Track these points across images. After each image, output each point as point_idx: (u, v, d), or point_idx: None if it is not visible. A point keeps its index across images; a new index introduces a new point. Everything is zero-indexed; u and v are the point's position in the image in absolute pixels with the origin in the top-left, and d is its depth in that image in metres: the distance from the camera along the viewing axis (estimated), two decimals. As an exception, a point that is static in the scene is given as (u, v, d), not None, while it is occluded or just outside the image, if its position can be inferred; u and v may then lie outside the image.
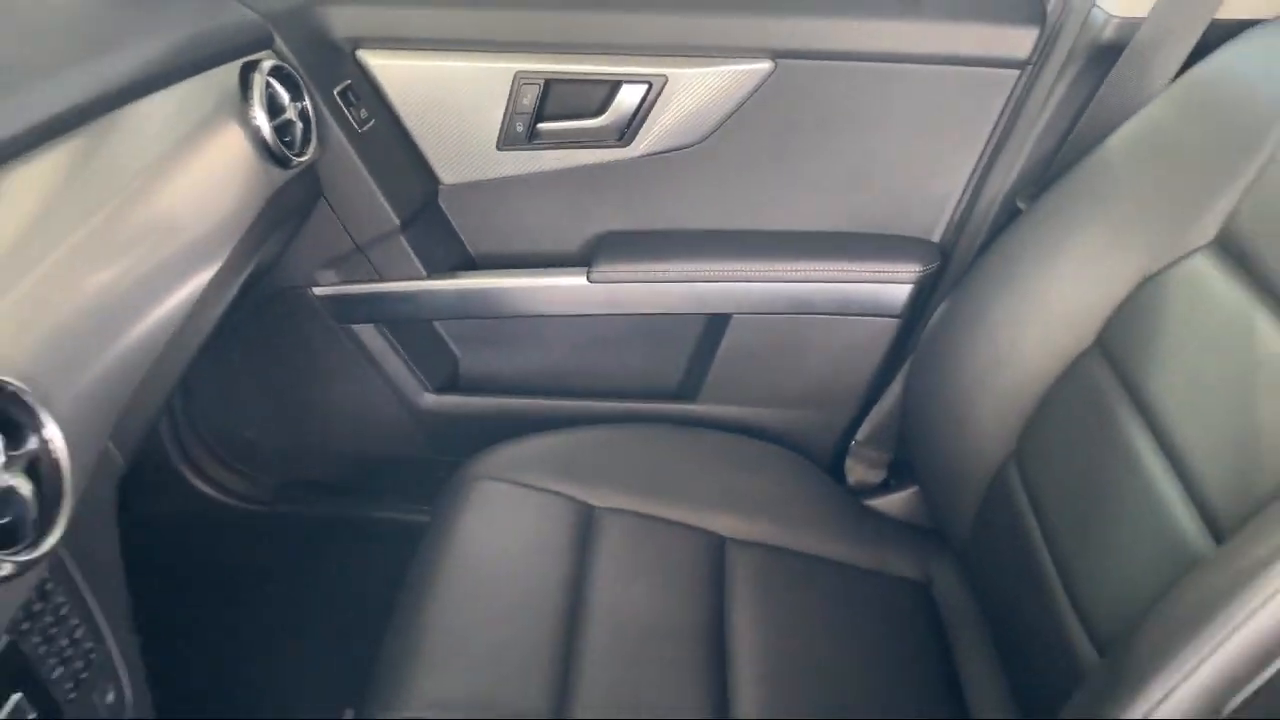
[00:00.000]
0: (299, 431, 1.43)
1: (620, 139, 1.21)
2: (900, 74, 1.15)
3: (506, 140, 1.21)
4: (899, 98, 1.17)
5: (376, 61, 1.18)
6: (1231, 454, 0.75)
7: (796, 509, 1.17)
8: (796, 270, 1.23)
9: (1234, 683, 0.63)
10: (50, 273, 0.68)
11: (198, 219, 0.89)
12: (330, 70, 1.14)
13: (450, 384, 1.38)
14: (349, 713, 1.19)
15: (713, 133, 1.21)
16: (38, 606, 0.61)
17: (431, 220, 1.29)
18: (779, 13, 1.15)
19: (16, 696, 0.57)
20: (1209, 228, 0.88)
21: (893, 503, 1.25)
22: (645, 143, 1.21)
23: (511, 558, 1.03)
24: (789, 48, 1.15)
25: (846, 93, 1.18)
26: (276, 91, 1.03)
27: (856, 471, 1.32)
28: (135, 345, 0.77)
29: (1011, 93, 1.14)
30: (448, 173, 1.26)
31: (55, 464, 0.58)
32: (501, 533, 1.06)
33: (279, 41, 1.08)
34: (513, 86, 1.18)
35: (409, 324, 1.33)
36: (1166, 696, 0.64)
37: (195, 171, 0.90)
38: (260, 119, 0.98)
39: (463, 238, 1.32)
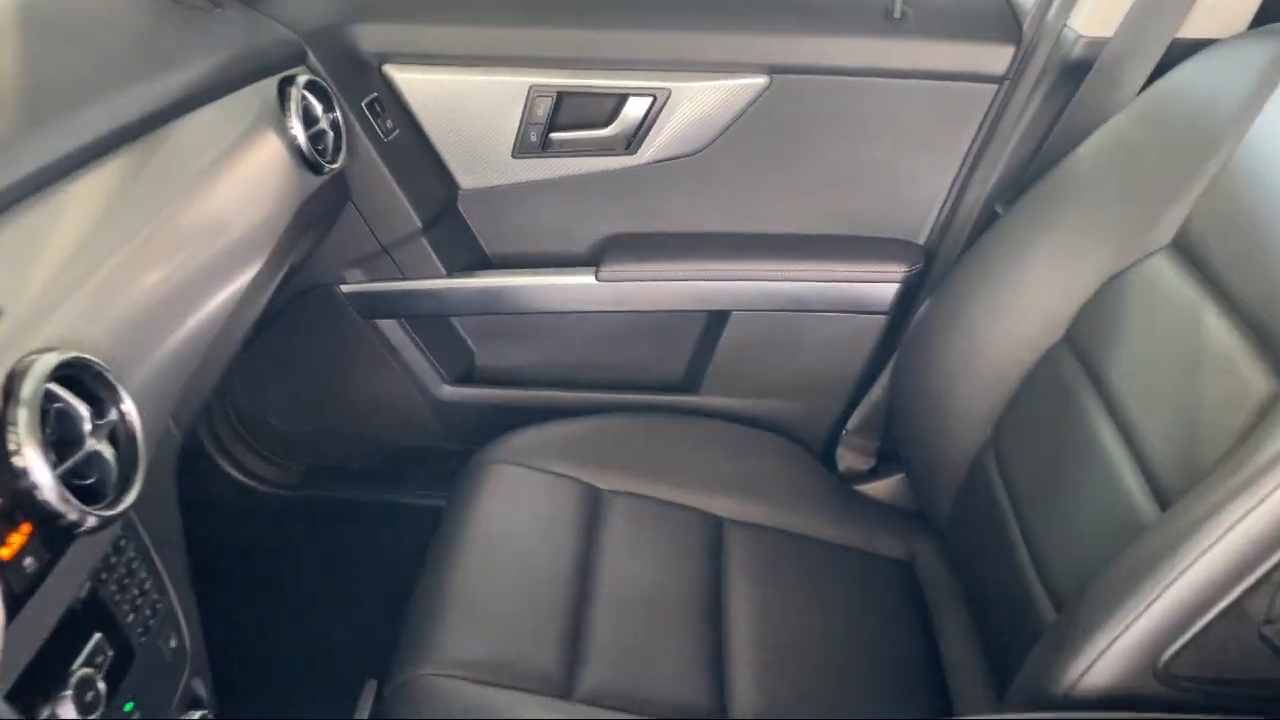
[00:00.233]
0: (325, 420, 1.47)
1: (627, 148, 1.27)
2: (887, 88, 1.20)
3: (521, 148, 1.27)
4: (886, 110, 1.22)
5: (401, 75, 1.23)
6: (1178, 433, 0.82)
7: (790, 493, 1.22)
8: (791, 270, 1.29)
9: (1169, 633, 0.70)
10: (118, 268, 0.75)
11: (241, 220, 0.96)
12: (358, 84, 1.20)
13: (467, 376, 1.43)
14: (372, 684, 1.24)
15: (713, 142, 1.26)
16: (114, 560, 0.69)
17: (451, 223, 1.34)
18: (774, 31, 1.20)
19: (97, 635, 0.65)
20: (1167, 231, 0.94)
21: (880, 488, 1.30)
22: (650, 151, 1.27)
23: (525, 534, 1.08)
24: (784, 63, 1.21)
25: (837, 105, 1.23)
26: (310, 103, 1.09)
27: (847, 458, 1.37)
28: (191, 335, 0.84)
29: (990, 106, 1.19)
30: (466, 178, 1.31)
31: (131, 433, 0.66)
32: (516, 512, 1.11)
33: (312, 57, 1.15)
34: (527, 99, 1.23)
35: (429, 319, 1.37)
36: (1110, 646, 0.71)
37: (239, 177, 0.97)
38: (297, 129, 1.05)
39: (480, 239, 1.37)
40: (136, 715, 0.68)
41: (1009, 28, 1.17)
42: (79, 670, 0.62)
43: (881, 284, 1.28)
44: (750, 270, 1.29)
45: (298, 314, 1.32)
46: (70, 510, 0.59)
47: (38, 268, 0.68)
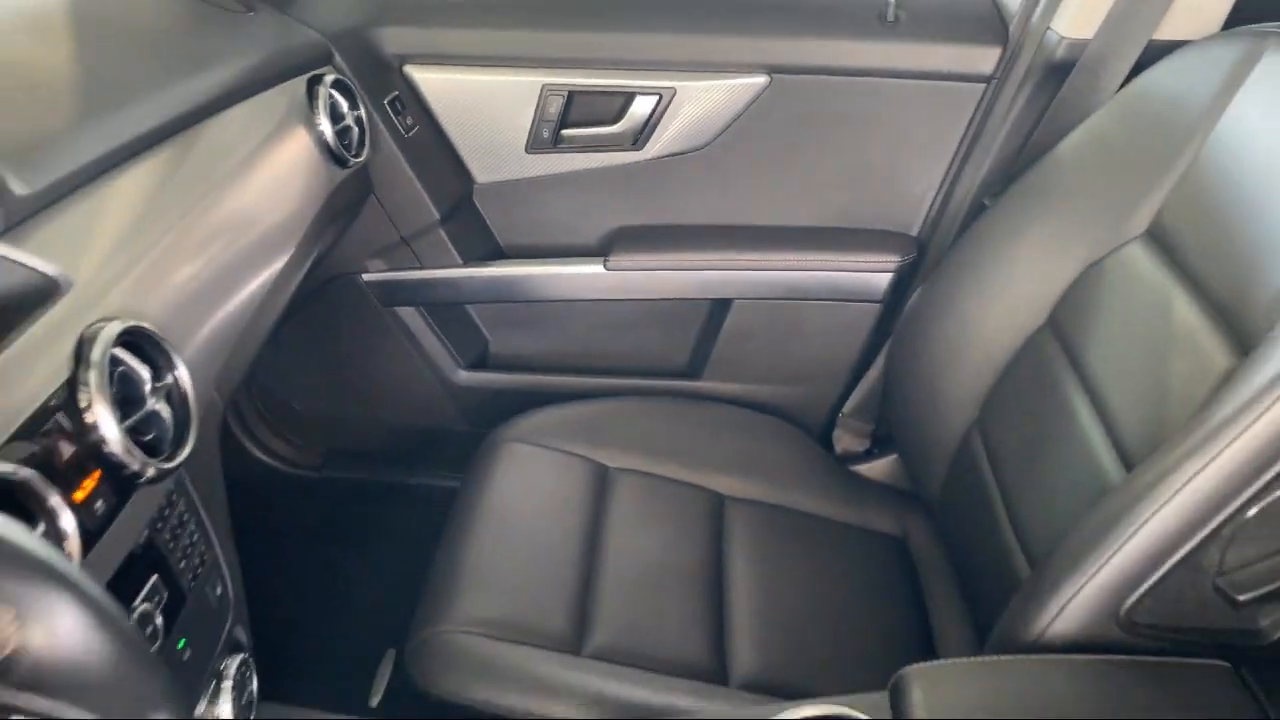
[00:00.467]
0: (346, 404, 1.51)
1: (634, 144, 1.31)
2: (881, 87, 1.25)
3: (534, 144, 1.32)
4: (880, 108, 1.26)
5: (421, 75, 1.29)
6: (1146, 405, 0.87)
7: (789, 472, 1.26)
8: (790, 260, 1.33)
9: (1129, 583, 0.75)
10: (167, 250, 0.81)
11: (274, 209, 1.02)
12: (381, 83, 1.25)
13: (481, 362, 1.47)
14: (390, 652, 1.29)
15: (716, 138, 1.30)
16: (167, 512, 0.75)
17: (467, 215, 1.39)
18: (774, 33, 1.25)
19: (154, 577, 0.72)
20: (1142, 221, 0.98)
21: (875, 468, 1.34)
22: (656, 147, 1.31)
23: (537, 507, 1.13)
24: (783, 64, 1.25)
25: (834, 104, 1.27)
26: (337, 101, 1.15)
27: (843, 440, 1.42)
28: (231, 314, 0.90)
29: (979, 104, 1.24)
30: (482, 173, 1.36)
31: (184, 396, 0.72)
32: (528, 486, 1.16)
33: (338, 58, 1.20)
34: (540, 97, 1.28)
35: (446, 307, 1.42)
36: (1075, 595, 0.76)
37: (272, 170, 1.03)
38: (324, 125, 1.10)
39: (494, 230, 1.42)
40: (188, 653, 0.74)
41: (996, 30, 1.22)
42: (140, 606, 0.69)
43: (876, 273, 1.32)
44: (751, 260, 1.33)
45: (321, 302, 1.37)
46: (133, 461, 0.65)
47: (97, 247, 0.75)
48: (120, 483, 0.66)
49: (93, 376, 0.64)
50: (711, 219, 1.38)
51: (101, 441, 0.64)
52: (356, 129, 1.18)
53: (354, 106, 1.18)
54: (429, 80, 1.29)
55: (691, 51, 1.26)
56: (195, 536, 0.78)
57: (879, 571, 1.18)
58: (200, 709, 0.77)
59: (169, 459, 0.69)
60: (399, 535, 1.33)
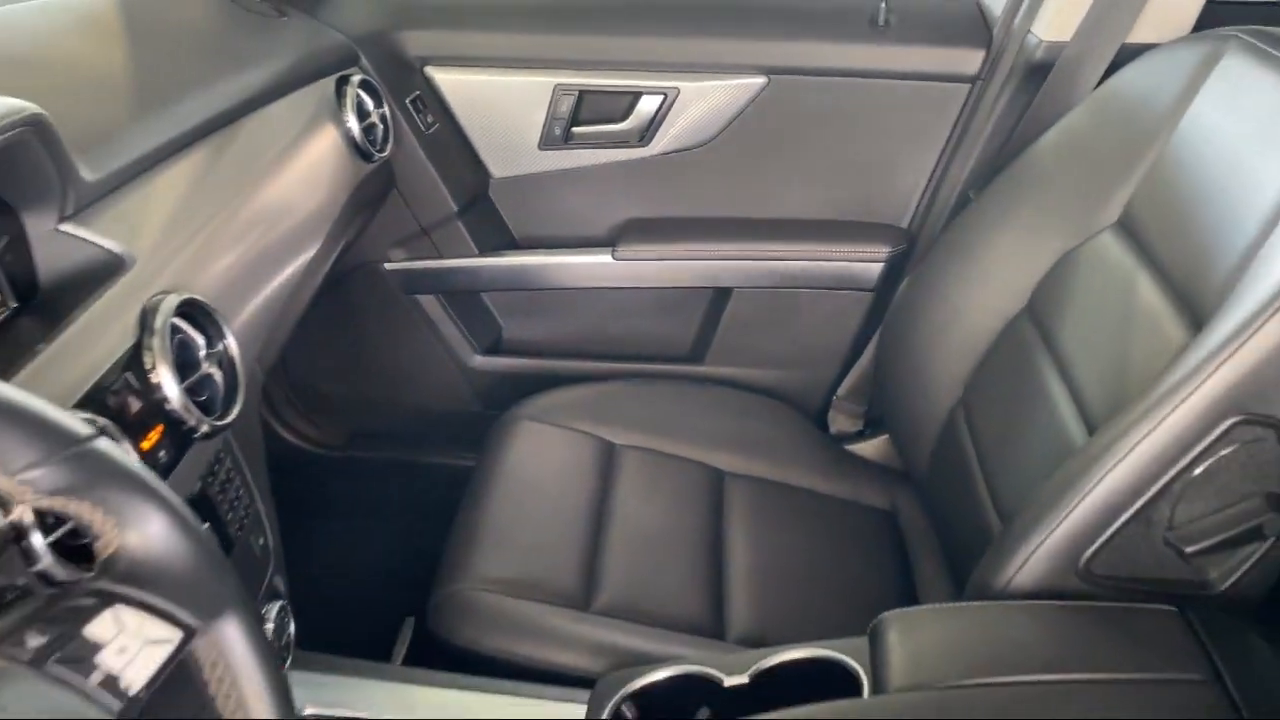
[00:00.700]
0: (368, 387, 1.58)
1: (641, 140, 1.38)
2: (873, 87, 1.31)
3: (546, 141, 1.38)
4: (872, 107, 1.33)
5: (441, 76, 1.36)
6: (1110, 379, 0.94)
7: (786, 450, 1.32)
8: (787, 251, 1.39)
9: (1086, 536, 0.81)
10: (211, 236, 0.89)
11: (305, 200, 1.09)
12: (404, 83, 1.33)
13: (495, 347, 1.53)
14: (409, 621, 1.35)
15: (718, 136, 1.37)
16: (216, 468, 0.83)
17: (483, 207, 1.45)
18: (771, 36, 1.32)
19: (206, 524, 0.80)
20: (1114, 212, 1.05)
21: (867, 447, 1.41)
22: (661, 144, 1.38)
23: (548, 479, 1.20)
24: (780, 65, 1.32)
25: (828, 103, 1.34)
26: (363, 100, 1.23)
27: (838, 421, 1.48)
28: (269, 296, 0.98)
29: (964, 103, 1.30)
30: (497, 168, 1.43)
31: (233, 362, 0.80)
32: (540, 460, 1.22)
33: (363, 59, 1.28)
34: (552, 97, 1.35)
35: (462, 295, 1.48)
36: (1037, 548, 0.83)
37: (303, 164, 1.10)
38: (351, 121, 1.18)
39: (508, 222, 1.48)
40: (235, 596, 0.82)
41: (980, 33, 1.28)
42: (195, 549, 0.76)
43: (868, 263, 1.38)
44: (751, 251, 1.40)
45: (346, 290, 1.44)
46: (190, 417, 0.73)
47: (154, 229, 0.83)
48: (179, 437, 0.74)
49: (156, 342, 0.72)
50: (713, 212, 1.44)
51: (164, 399, 0.72)
52: (381, 126, 1.25)
53: (379, 105, 1.25)
54: (448, 81, 1.36)
55: (694, 54, 1.33)
56: (240, 491, 0.86)
57: (869, 542, 1.24)
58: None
59: (220, 417, 0.77)
60: (417, 510, 1.37)
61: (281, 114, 1.09)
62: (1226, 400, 0.77)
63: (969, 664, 0.77)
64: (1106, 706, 0.72)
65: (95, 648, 0.44)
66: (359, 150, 1.20)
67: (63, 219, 0.75)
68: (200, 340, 0.78)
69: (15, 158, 0.69)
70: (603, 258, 1.42)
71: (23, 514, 0.55)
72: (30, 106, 0.69)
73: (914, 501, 1.30)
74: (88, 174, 0.77)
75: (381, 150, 1.25)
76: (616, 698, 0.86)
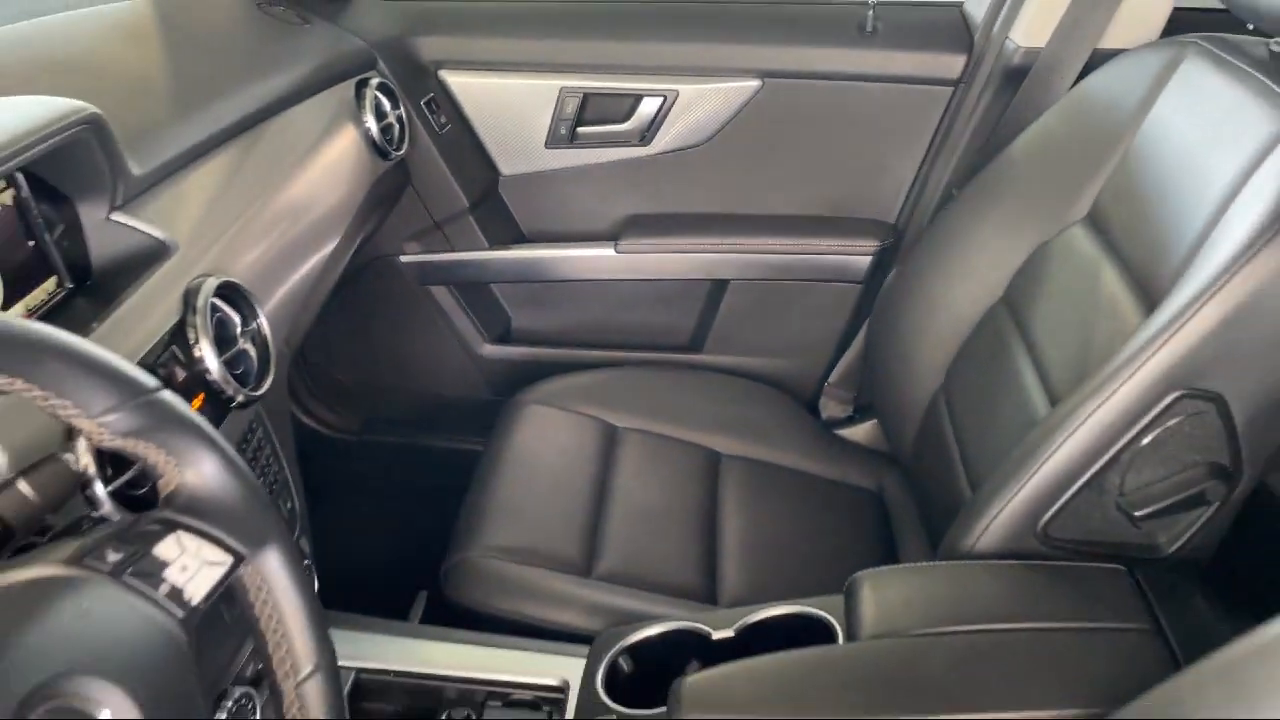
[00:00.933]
0: (383, 374, 1.64)
1: (642, 140, 1.44)
2: (861, 90, 1.38)
3: (553, 141, 1.45)
4: (861, 109, 1.39)
5: (453, 79, 1.43)
6: (1074, 360, 1.00)
7: (779, 434, 1.37)
8: (781, 245, 1.45)
9: (1044, 502, 0.88)
10: (244, 226, 0.96)
11: (328, 195, 1.16)
12: (419, 86, 1.40)
13: (504, 336, 1.60)
14: (422, 594, 1.42)
15: (714, 136, 1.43)
16: (249, 436, 0.91)
17: (493, 203, 1.52)
18: (765, 42, 1.38)
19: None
20: (1083, 207, 1.11)
21: (856, 432, 1.47)
22: (661, 143, 1.44)
23: (554, 458, 1.26)
24: (774, 69, 1.38)
25: (819, 105, 1.40)
26: (381, 101, 1.30)
27: (829, 407, 1.54)
28: (294, 285, 1.05)
29: (947, 105, 1.36)
30: (506, 165, 1.50)
31: (265, 339, 0.88)
32: (546, 441, 1.29)
33: (381, 63, 1.35)
34: (558, 99, 1.41)
35: (473, 286, 1.55)
36: (999, 512, 0.90)
37: (325, 161, 1.17)
38: (370, 122, 1.26)
39: (517, 217, 1.55)
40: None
41: (962, 39, 1.34)
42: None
43: (858, 257, 1.44)
44: (746, 245, 1.46)
45: (363, 282, 1.50)
46: (229, 387, 0.81)
47: (193, 219, 0.90)
48: (218, 405, 0.82)
49: (199, 320, 0.80)
50: (711, 208, 1.50)
51: (206, 371, 0.79)
52: (397, 126, 1.32)
53: (395, 106, 1.32)
54: (461, 83, 1.44)
55: (693, 58, 1.40)
56: (270, 459, 0.94)
57: (855, 519, 1.30)
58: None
59: (255, 388, 0.85)
60: (430, 491, 1.42)
61: (306, 115, 1.17)
62: (1169, 376, 0.84)
63: (934, 615, 0.84)
64: (1056, 651, 0.80)
65: (162, 565, 0.51)
66: (377, 149, 1.27)
67: (113, 209, 0.83)
68: (236, 319, 0.86)
69: (74, 154, 0.77)
70: (606, 251, 1.48)
71: (89, 463, 0.63)
72: (88, 107, 0.76)
73: (899, 482, 1.36)
74: (135, 168, 0.85)
75: (398, 149, 1.32)
76: (613, 651, 0.93)
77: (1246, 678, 0.54)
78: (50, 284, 0.79)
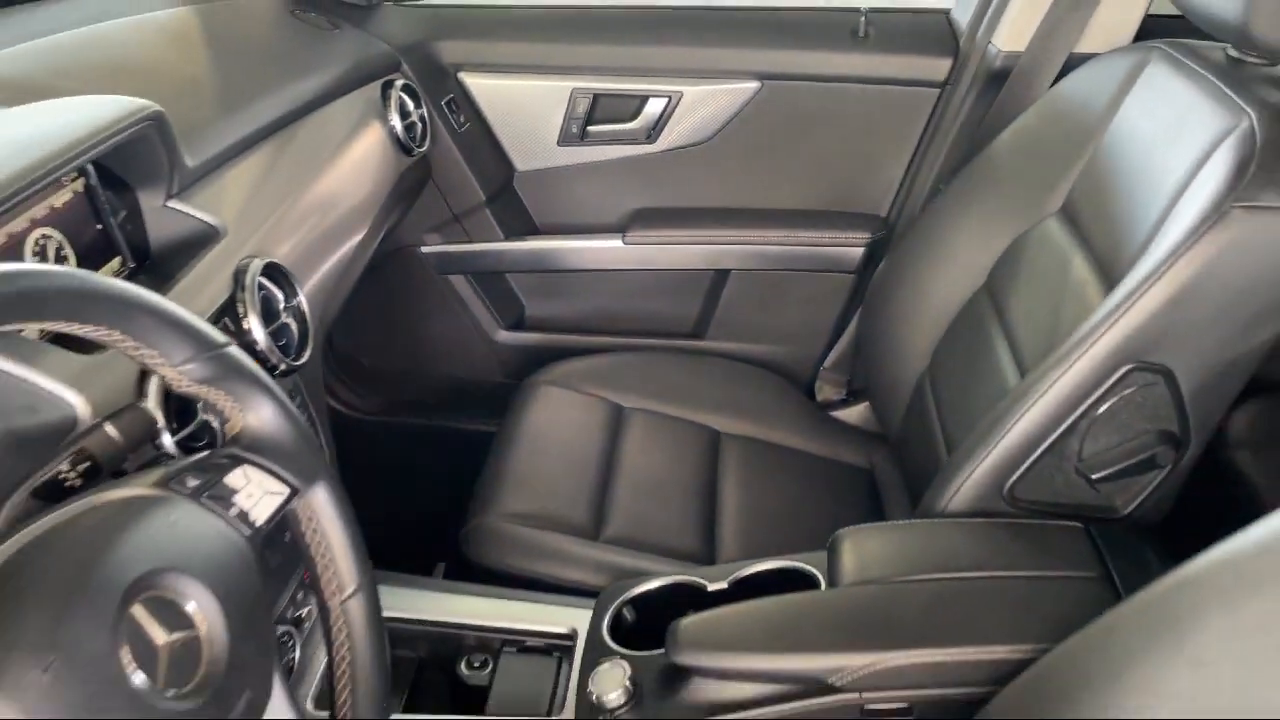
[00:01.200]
0: (404, 359, 1.71)
1: (648, 139, 1.52)
2: (854, 91, 1.45)
3: (564, 139, 1.53)
4: (853, 109, 1.46)
5: (472, 80, 1.51)
6: (1043, 339, 1.07)
7: (776, 414, 1.44)
8: (779, 237, 1.53)
9: (1009, 466, 0.96)
10: (283, 215, 1.05)
11: (356, 188, 1.24)
12: (439, 87, 1.48)
13: (518, 323, 1.67)
14: (440, 566, 1.50)
15: (716, 134, 1.50)
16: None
17: (509, 197, 1.59)
18: (764, 45, 1.45)
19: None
20: (1058, 200, 1.18)
21: (850, 413, 1.54)
22: (666, 141, 1.51)
23: (565, 434, 1.34)
24: (772, 71, 1.46)
25: (815, 105, 1.47)
26: (404, 101, 1.38)
27: (824, 390, 1.62)
28: (327, 271, 1.13)
29: (935, 105, 1.44)
30: (521, 162, 1.57)
31: (304, 315, 0.97)
32: (558, 419, 1.37)
33: (405, 66, 1.43)
34: (570, 99, 1.49)
35: (489, 276, 1.62)
36: (969, 476, 0.98)
37: (353, 158, 1.26)
38: (395, 120, 1.34)
39: (531, 211, 1.62)
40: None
41: (948, 44, 1.42)
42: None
43: (851, 248, 1.52)
44: (746, 237, 1.53)
45: (386, 271, 1.58)
46: (274, 356, 0.90)
47: (239, 206, 0.99)
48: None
49: (248, 296, 0.89)
50: (713, 202, 1.57)
51: (254, 341, 0.88)
52: (420, 125, 1.40)
53: (418, 106, 1.40)
54: (479, 85, 1.52)
55: (696, 61, 1.47)
56: (308, 424, 1.03)
57: (847, 493, 1.38)
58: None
59: (296, 359, 0.94)
60: (447, 470, 1.48)
61: (336, 114, 1.26)
62: (1122, 350, 0.92)
63: (907, 565, 0.92)
64: (1014, 596, 0.88)
65: (232, 491, 0.61)
66: (401, 146, 1.35)
67: (169, 197, 0.92)
68: (280, 296, 0.95)
69: (138, 147, 0.86)
70: (614, 243, 1.55)
71: (158, 415, 0.73)
72: (152, 105, 0.86)
73: (889, 460, 1.43)
74: (189, 160, 0.94)
75: (420, 146, 1.39)
76: (618, 602, 1.01)
77: (1170, 607, 0.63)
78: (115, 263, 0.88)
